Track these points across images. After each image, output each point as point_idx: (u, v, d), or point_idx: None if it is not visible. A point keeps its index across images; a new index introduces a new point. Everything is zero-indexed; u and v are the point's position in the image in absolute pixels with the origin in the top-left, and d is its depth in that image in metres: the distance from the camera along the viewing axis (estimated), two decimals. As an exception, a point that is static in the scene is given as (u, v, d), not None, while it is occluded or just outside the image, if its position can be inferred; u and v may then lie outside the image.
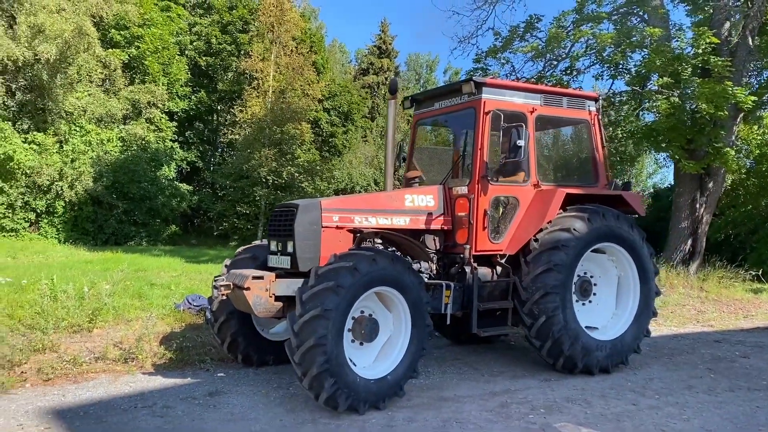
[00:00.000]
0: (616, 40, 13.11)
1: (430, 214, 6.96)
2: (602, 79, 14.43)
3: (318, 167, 29.94)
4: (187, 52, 32.90)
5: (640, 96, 13.91)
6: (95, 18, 24.85)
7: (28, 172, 22.22)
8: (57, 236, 23.32)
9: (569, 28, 14.31)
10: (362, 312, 5.89)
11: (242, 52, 31.59)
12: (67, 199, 23.40)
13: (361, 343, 5.87)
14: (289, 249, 6.29)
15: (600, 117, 7.99)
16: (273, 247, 6.61)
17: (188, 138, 33.50)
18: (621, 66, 14.00)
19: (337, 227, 6.38)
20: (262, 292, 6.01)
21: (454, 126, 8.57)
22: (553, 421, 5.55)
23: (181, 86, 31.13)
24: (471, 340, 8.55)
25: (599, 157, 7.83)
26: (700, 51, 12.96)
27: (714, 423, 5.59)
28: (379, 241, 6.73)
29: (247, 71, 29.30)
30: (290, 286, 5.98)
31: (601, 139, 7.89)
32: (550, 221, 6.97)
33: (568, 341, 6.80)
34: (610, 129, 14.57)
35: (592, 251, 7.25)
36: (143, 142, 26.98)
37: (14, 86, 23.07)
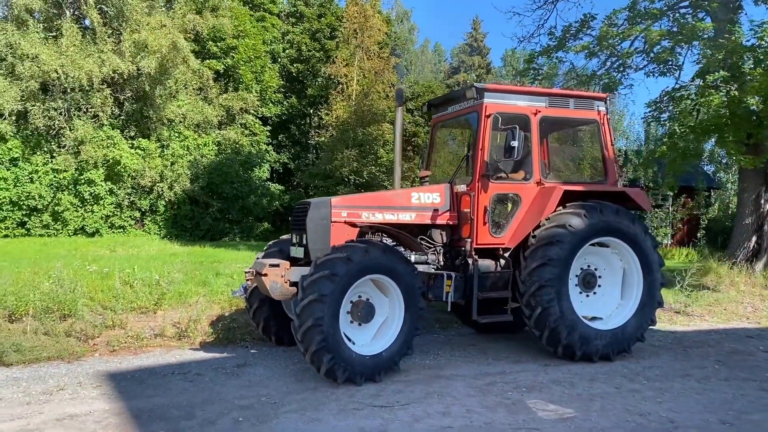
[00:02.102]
0: (674, 37, 12.99)
1: (436, 210, 7.54)
2: (653, 76, 14.27)
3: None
4: (279, 59, 34.89)
5: (698, 91, 13.66)
6: (191, 33, 27.05)
7: (133, 174, 24.60)
8: (158, 232, 25.64)
9: (621, 26, 14.28)
10: (360, 296, 6.64)
11: (329, 58, 33.02)
12: (167, 199, 25.67)
13: (360, 324, 6.63)
14: (304, 241, 7.15)
15: (609, 117, 8.27)
16: (294, 239, 7.52)
17: (281, 141, 35.43)
18: (671, 63, 13.82)
19: (346, 222, 7.09)
20: (278, 278, 6.79)
21: (464, 128, 9.11)
22: (527, 399, 6.07)
23: (274, 92, 33.09)
24: (494, 329, 9.01)
25: (608, 156, 8.14)
26: (765, 42, 12.61)
27: (685, 407, 5.89)
28: (386, 236, 7.43)
29: (333, 76, 30.69)
30: (302, 273, 6.63)
31: (610, 138, 8.18)
32: (548, 217, 7.40)
33: (565, 330, 7.22)
34: (668, 125, 14.39)
35: (596, 245, 7.63)
36: (236, 145, 28.99)
37: (122, 97, 25.59)
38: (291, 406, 5.69)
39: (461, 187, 7.66)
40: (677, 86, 14.32)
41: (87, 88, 23.43)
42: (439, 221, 7.59)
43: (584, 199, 7.63)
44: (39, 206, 23.29)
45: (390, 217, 7.34)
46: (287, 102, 34.41)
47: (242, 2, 33.90)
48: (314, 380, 6.56)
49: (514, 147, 7.03)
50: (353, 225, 7.12)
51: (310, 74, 35.11)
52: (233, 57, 30.39)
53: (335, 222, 7.03)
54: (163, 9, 26.72)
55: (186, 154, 26.42)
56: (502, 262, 7.63)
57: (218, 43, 30.06)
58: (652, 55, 13.93)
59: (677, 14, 14.06)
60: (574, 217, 7.33)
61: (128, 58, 23.90)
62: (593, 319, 7.71)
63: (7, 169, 23.08)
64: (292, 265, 6.98)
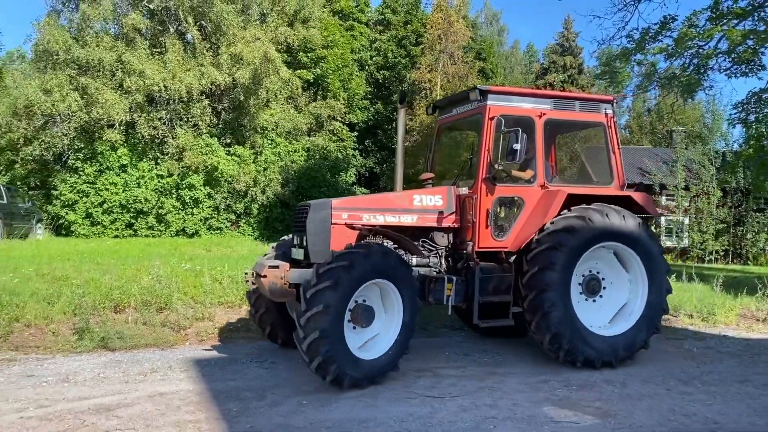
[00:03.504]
0: (758, 36, 12.56)
1: (438, 212, 7.48)
2: (735, 77, 13.79)
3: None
4: (367, 67, 35.93)
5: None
6: (283, 44, 28.43)
7: (229, 180, 26.19)
8: (252, 234, 27.15)
9: (702, 27, 13.91)
10: (360, 301, 6.53)
11: (414, 64, 33.67)
12: (260, 203, 27.13)
13: (357, 328, 6.54)
14: (304, 243, 7.12)
15: (615, 119, 8.14)
16: (294, 240, 7.52)
17: (367, 146, 36.45)
18: (754, 63, 13.31)
19: (346, 224, 7.03)
20: (278, 280, 6.75)
21: (468, 130, 9.05)
22: (575, 396, 6.33)
23: (361, 99, 34.15)
24: (500, 333, 8.87)
25: (615, 159, 8.02)
26: None
27: (734, 410, 5.95)
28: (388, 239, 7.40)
29: (417, 82, 31.31)
30: (302, 275, 6.65)
31: (617, 140, 8.04)
32: (552, 221, 7.27)
33: (566, 336, 7.10)
34: (755, 127, 13.86)
35: (601, 250, 7.50)
36: (325, 151, 30.18)
37: (219, 107, 27.30)
38: (351, 393, 6.22)
39: (463, 190, 7.64)
40: (766, 87, 13.79)
41: (187, 99, 25.22)
42: (441, 224, 7.53)
43: (589, 203, 7.51)
44: (145, 209, 25.28)
45: (391, 220, 7.31)
46: (373, 108, 35.37)
47: (332, 13, 35.22)
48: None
49: (517, 150, 6.94)
50: (354, 227, 7.08)
51: (395, 80, 35.91)
52: (322, 66, 31.63)
53: (335, 224, 6.99)
54: (257, 23, 28.26)
55: (277, 160, 27.81)
56: (505, 265, 7.57)
57: (308, 54, 31.39)
58: (734, 55, 13.50)
59: (762, 13, 13.55)
60: (578, 221, 7.20)
61: (225, 70, 25.48)
62: (597, 326, 7.58)
63: (117, 175, 25.21)
64: (293, 267, 6.98)
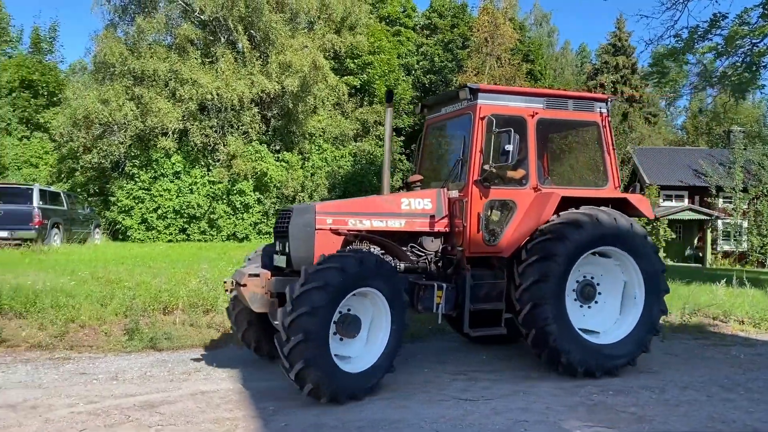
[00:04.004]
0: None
1: (427, 216, 7.17)
2: (789, 75, 13.28)
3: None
4: (413, 72, 36.08)
5: None
6: (330, 51, 28.86)
7: (278, 185, 26.74)
8: (300, 239, 27.59)
9: (755, 24, 13.46)
10: (347, 310, 6.17)
11: (461, 68, 33.64)
12: (308, 208, 27.56)
13: (343, 339, 6.19)
14: (287, 249, 6.70)
15: (610, 119, 7.84)
16: (277, 247, 7.10)
17: (414, 151, 36.54)
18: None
19: (331, 229, 6.72)
20: (258, 289, 6.38)
21: (459, 130, 8.54)
22: (610, 401, 6.27)
23: (407, 104, 34.30)
24: (497, 341, 8.61)
25: (609, 159, 7.73)
26: None
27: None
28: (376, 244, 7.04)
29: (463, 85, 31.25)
30: (284, 284, 6.17)
31: (612, 141, 7.76)
32: (542, 228, 7.01)
33: (564, 349, 6.85)
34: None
35: (595, 254, 7.26)
36: (371, 156, 30.43)
37: (268, 114, 27.92)
38: (383, 394, 6.34)
39: (453, 193, 7.31)
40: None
41: (238, 107, 25.89)
42: (430, 228, 7.22)
43: (583, 206, 7.25)
44: (197, 214, 26.05)
45: (378, 224, 6.98)
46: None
47: (379, 19, 35.55)
48: (407, 373, 7.18)
49: (509, 151, 6.63)
50: (339, 233, 6.79)
51: (442, 84, 35.92)
52: (369, 72, 31.93)
53: (320, 229, 6.67)
54: (305, 31, 28.79)
55: (324, 166, 28.23)
56: (497, 271, 7.29)
57: (355, 60, 31.75)
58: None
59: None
60: (570, 227, 6.92)
61: (274, 78, 26.07)
62: (591, 332, 7.32)
63: (171, 181, 26.08)
64: (274, 275, 6.59)
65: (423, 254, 7.31)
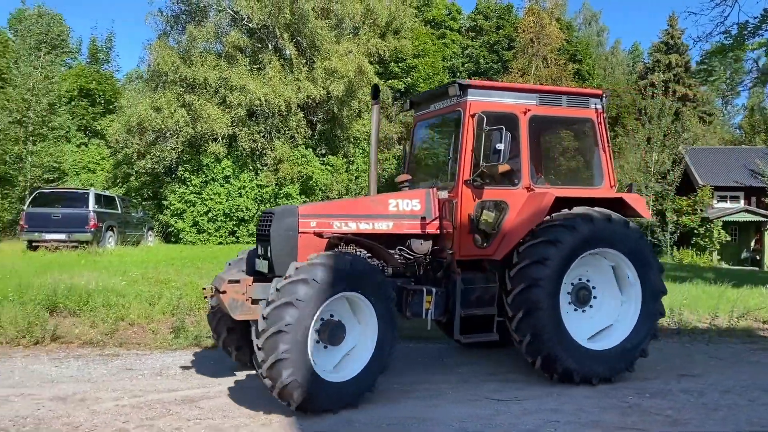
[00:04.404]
0: None
1: (416, 218, 6.92)
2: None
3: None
4: (458, 74, 36.03)
5: None
6: (375, 56, 29.11)
7: (323, 188, 27.11)
8: (346, 241, 27.91)
9: (808, 18, 12.97)
10: (329, 316, 5.95)
11: (506, 69, 33.42)
12: (353, 211, 27.87)
13: (327, 347, 5.97)
14: (269, 254, 6.43)
15: (605, 115, 7.54)
16: (259, 251, 6.82)
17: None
18: None
19: (315, 233, 6.45)
20: (238, 296, 6.12)
21: (448, 128, 8.24)
22: (646, 404, 6.20)
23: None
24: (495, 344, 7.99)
25: (605, 157, 7.44)
26: None
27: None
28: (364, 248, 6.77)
29: (509, 87, 31.08)
30: (266, 290, 5.96)
31: (607, 138, 7.45)
32: (534, 231, 6.75)
33: (559, 356, 6.61)
34: None
35: (590, 256, 6.97)
36: (416, 159, 30.53)
37: (314, 119, 28.34)
38: (417, 393, 6.43)
39: (442, 194, 7.04)
40: None
41: (285, 112, 26.39)
42: (418, 230, 6.94)
43: (578, 206, 7.00)
44: (246, 217, 26.66)
45: (365, 227, 6.71)
46: (466, 115, 35.41)
47: (424, 22, 35.66)
48: (442, 372, 7.26)
49: (500, 150, 6.34)
50: (323, 236, 6.52)
51: (488, 86, 35.76)
52: (413, 76, 32.06)
53: (303, 233, 6.39)
54: (350, 36, 29.12)
55: (368, 169, 28.46)
56: (489, 275, 7.03)
57: (399, 64, 31.93)
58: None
59: None
60: (563, 230, 6.66)
61: (320, 83, 26.47)
62: (590, 337, 7.05)
63: (221, 185, 26.77)
64: (256, 281, 6.29)
65: (412, 257, 7.00)
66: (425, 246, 6.99)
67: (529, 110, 7.10)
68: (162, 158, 26.66)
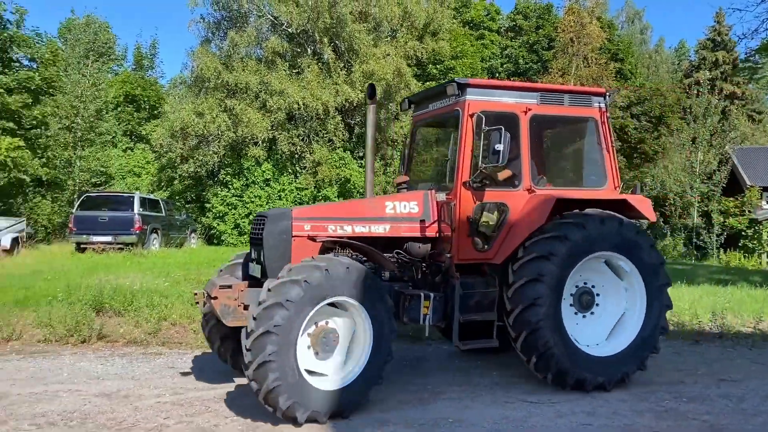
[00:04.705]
0: None
1: (414, 221, 6.76)
2: None
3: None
4: (497, 75, 35.83)
5: None
6: (413, 58, 29.18)
7: (360, 190, 27.26)
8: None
9: None
10: (321, 323, 5.78)
11: (546, 69, 33.10)
12: (391, 213, 28.00)
13: (318, 354, 5.78)
14: (261, 258, 6.33)
15: (608, 114, 7.30)
16: (252, 255, 6.72)
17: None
18: None
19: (309, 237, 6.32)
20: (230, 301, 5.98)
21: (447, 129, 8.08)
22: (682, 408, 6.12)
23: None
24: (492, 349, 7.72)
25: (608, 158, 7.22)
26: None
27: None
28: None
29: (549, 87, 30.78)
30: (259, 296, 5.72)
31: (611, 137, 7.22)
32: (540, 228, 6.57)
33: (555, 356, 6.40)
34: None
35: (593, 260, 6.77)
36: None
37: (352, 122, 28.56)
38: (450, 395, 6.48)
39: (440, 196, 6.89)
40: None
41: (323, 116, 26.69)
42: (416, 234, 6.78)
43: (581, 208, 6.82)
44: (285, 220, 27.02)
45: (361, 230, 6.57)
46: (505, 116, 35.19)
47: (462, 23, 35.59)
48: (479, 375, 7.28)
49: (499, 151, 6.16)
50: (318, 240, 6.36)
51: (527, 87, 35.47)
52: (451, 77, 32.00)
53: (297, 237, 6.27)
54: (388, 39, 29.27)
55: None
56: (488, 279, 6.85)
57: (437, 66, 31.92)
58: None
59: None
60: (569, 228, 6.50)
61: (358, 87, 26.67)
62: (589, 345, 6.81)
63: (262, 188, 27.21)
64: (251, 286, 6.15)
65: (410, 261, 6.85)
66: (423, 249, 6.83)
67: (529, 109, 6.89)
68: (204, 162, 27.24)
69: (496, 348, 7.04)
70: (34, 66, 24.90)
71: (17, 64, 23.97)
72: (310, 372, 5.61)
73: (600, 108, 7.29)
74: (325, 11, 26.49)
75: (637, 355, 6.77)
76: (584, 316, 6.94)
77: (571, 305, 6.84)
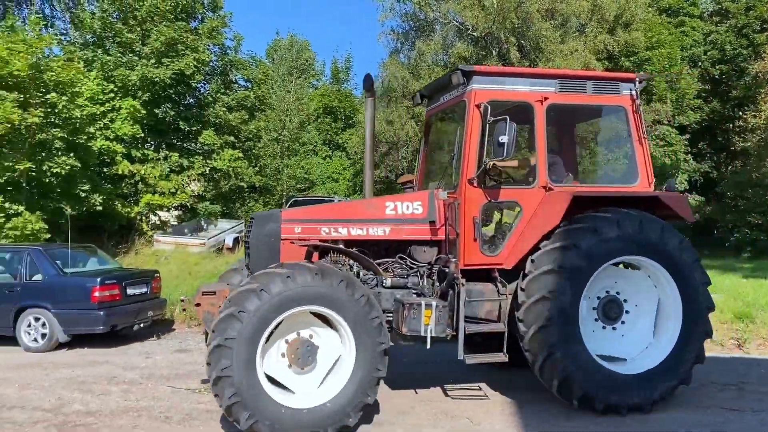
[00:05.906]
0: None
1: (417, 222, 6.31)
2: None
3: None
4: (700, 63, 33.04)
5: None
6: (602, 53, 28.04)
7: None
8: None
9: None
10: (297, 334, 5.44)
11: (758, 54, 29.88)
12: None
13: (295, 368, 5.46)
14: (248, 262, 6.02)
15: (639, 102, 6.28)
16: (246, 259, 6.49)
17: (701, 149, 33.45)
18: None
19: (300, 239, 5.99)
20: (213, 308, 5.77)
21: (455, 121, 7.28)
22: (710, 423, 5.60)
23: (693, 99, 31.52)
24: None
25: (640, 150, 6.29)
26: None
27: None
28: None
29: (761, 73, 27.75)
30: None
31: (642, 128, 6.29)
32: (552, 232, 5.88)
33: (579, 379, 5.72)
34: None
35: (621, 265, 6.03)
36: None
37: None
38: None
39: (442, 194, 6.38)
40: None
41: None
42: (420, 236, 6.27)
43: (605, 206, 5.94)
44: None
45: (358, 232, 6.17)
46: (708, 107, 32.29)
47: (658, 11, 33.37)
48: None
49: (504, 143, 5.58)
50: (309, 243, 6.00)
51: (735, 74, 32.25)
52: (646, 69, 30.13)
53: (286, 240, 5.95)
54: (576, 34, 28.44)
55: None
56: (498, 286, 6.23)
57: (631, 58, 30.25)
58: None
59: None
60: (584, 233, 5.72)
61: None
62: (615, 359, 6.01)
63: (449, 191, 27.99)
64: None
65: (414, 266, 6.37)
66: (429, 254, 6.39)
67: (546, 98, 6.30)
68: (394, 167, 28.60)
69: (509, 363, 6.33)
70: (249, 86, 27.98)
71: (236, 85, 27.12)
72: (276, 383, 5.31)
73: (631, 95, 6.61)
74: (512, 12, 26.46)
75: (678, 367, 5.96)
76: (614, 328, 6.29)
77: (596, 319, 6.25)
